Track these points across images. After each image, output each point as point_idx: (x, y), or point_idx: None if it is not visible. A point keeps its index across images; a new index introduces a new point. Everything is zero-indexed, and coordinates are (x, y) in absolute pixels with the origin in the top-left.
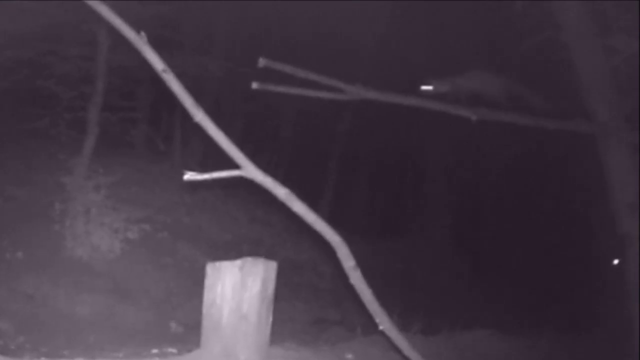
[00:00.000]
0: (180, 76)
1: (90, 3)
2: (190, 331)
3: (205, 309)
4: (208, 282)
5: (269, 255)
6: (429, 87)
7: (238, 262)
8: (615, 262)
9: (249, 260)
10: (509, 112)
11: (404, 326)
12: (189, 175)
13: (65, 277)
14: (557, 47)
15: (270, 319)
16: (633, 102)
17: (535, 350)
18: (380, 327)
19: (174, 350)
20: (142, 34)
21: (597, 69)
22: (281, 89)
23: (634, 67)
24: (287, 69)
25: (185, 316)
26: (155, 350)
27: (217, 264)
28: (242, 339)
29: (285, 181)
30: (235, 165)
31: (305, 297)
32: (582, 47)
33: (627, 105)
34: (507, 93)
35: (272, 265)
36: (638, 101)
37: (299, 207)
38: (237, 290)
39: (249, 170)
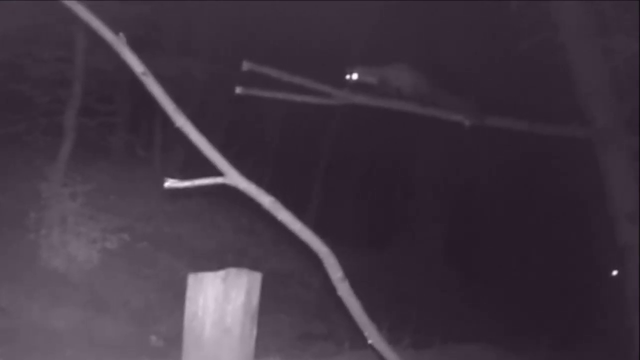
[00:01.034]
0: (161, 79)
1: (67, 3)
2: (171, 345)
3: (186, 322)
4: (189, 293)
5: (253, 266)
6: (354, 76)
7: (221, 273)
8: (614, 273)
9: (232, 271)
10: (503, 118)
11: (394, 340)
12: (169, 183)
13: (41, 288)
14: (554, 48)
15: (255, 332)
16: (633, 106)
17: None
18: (369, 341)
19: None
20: (121, 35)
21: (595, 71)
22: (266, 93)
23: (634, 69)
24: (273, 72)
25: (165, 329)
26: None
27: (199, 275)
28: (225, 354)
29: (270, 189)
30: (218, 172)
31: (291, 309)
32: (580, 48)
33: (627, 109)
34: (422, 91)
35: (257, 277)
36: (638, 105)
37: (284, 216)
38: (219, 302)
39: (233, 178)
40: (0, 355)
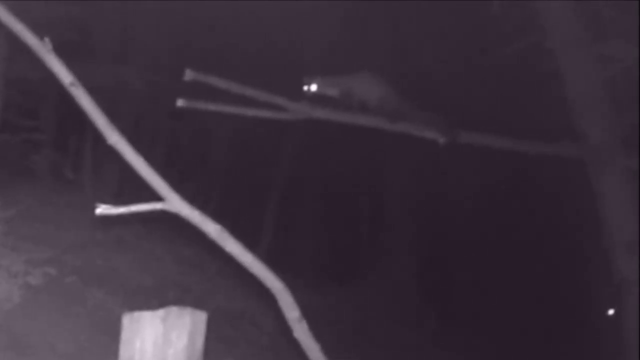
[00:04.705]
0: (92, 90)
1: None
2: None
3: None
4: (125, 335)
5: (197, 304)
6: (313, 87)
7: (160, 312)
8: (611, 312)
9: (173, 310)
10: (483, 134)
11: None
12: (102, 209)
13: None
14: (541, 54)
15: None
16: (632, 121)
17: None
18: None
19: None
20: (47, 39)
21: (589, 81)
22: (212, 106)
23: (633, 79)
24: (220, 82)
25: None
26: None
27: (136, 314)
28: None
29: (217, 215)
30: (157, 197)
31: (241, 353)
32: (571, 54)
33: (625, 125)
34: (391, 104)
35: (201, 316)
36: (638, 120)
37: (233, 247)
38: (159, 345)
39: (174, 203)
40: None
